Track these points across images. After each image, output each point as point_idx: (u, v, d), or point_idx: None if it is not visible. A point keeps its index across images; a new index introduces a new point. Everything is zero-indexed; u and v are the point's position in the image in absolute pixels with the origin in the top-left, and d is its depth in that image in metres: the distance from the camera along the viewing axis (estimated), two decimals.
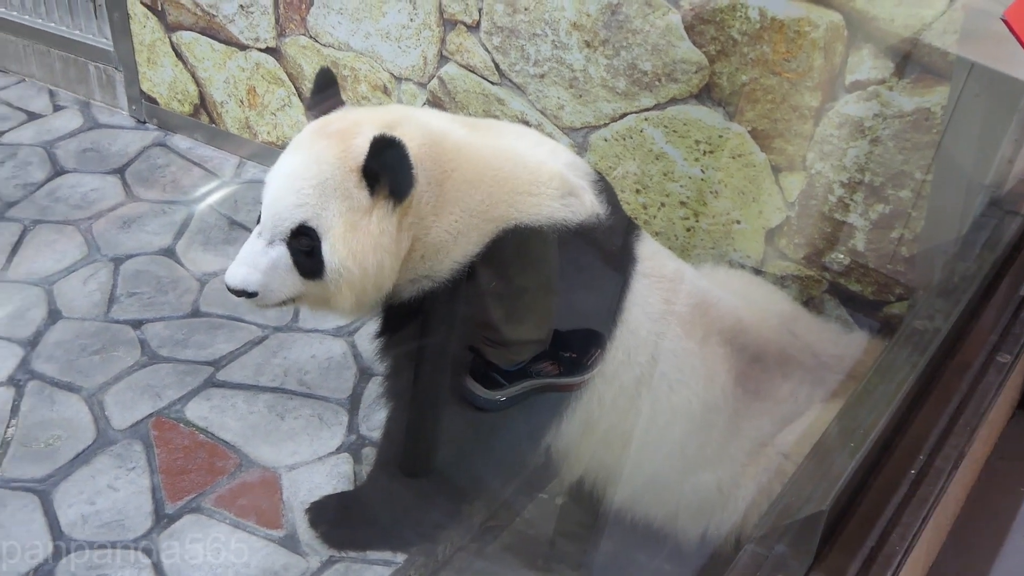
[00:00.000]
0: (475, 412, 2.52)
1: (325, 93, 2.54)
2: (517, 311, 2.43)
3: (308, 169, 2.29)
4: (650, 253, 2.54)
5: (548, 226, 2.33)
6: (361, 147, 2.25)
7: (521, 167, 2.36)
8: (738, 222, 3.20)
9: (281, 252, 2.34)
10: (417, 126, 2.36)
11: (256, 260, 2.35)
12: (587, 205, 2.39)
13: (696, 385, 2.46)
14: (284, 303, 2.45)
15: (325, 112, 2.47)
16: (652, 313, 2.46)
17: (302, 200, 2.28)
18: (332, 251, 2.28)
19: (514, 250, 2.33)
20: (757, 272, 3.20)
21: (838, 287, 3.12)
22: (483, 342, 2.46)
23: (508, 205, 2.32)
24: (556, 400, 2.51)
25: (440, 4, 3.51)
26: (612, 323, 2.43)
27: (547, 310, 2.49)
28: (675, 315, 2.46)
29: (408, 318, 2.47)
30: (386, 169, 2.23)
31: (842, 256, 3.06)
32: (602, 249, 2.44)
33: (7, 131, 4.57)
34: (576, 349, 2.46)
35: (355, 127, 2.33)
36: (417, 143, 2.30)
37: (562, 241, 2.34)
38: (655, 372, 2.45)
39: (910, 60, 2.75)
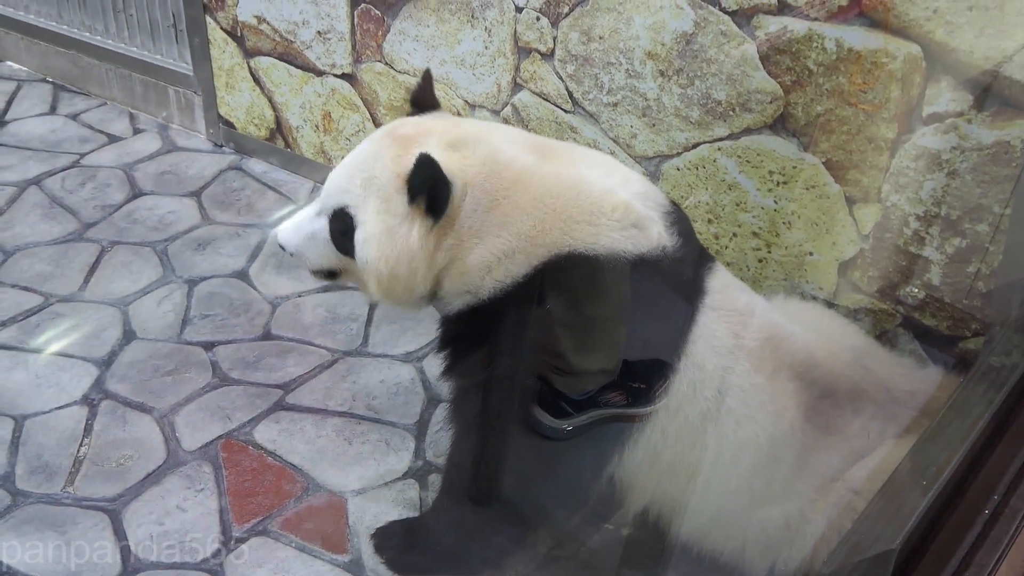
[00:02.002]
0: (541, 440, 2.52)
1: (425, 94, 2.67)
2: (571, 339, 2.43)
3: (365, 162, 2.46)
4: (721, 287, 2.51)
5: (605, 256, 2.32)
6: (411, 154, 2.33)
7: (583, 196, 2.36)
8: (811, 253, 3.17)
9: (323, 224, 2.56)
10: (482, 148, 2.41)
11: (301, 225, 2.63)
12: (652, 237, 2.37)
13: (764, 420, 2.43)
14: (327, 274, 2.68)
15: (419, 112, 2.62)
16: (719, 347, 2.43)
17: (349, 187, 2.46)
18: (364, 244, 2.43)
19: (566, 277, 2.33)
20: (830, 305, 3.17)
21: (912, 321, 3.07)
22: (546, 369, 2.46)
23: (562, 233, 2.32)
24: (619, 430, 2.49)
25: (515, 32, 3.52)
26: (676, 356, 2.41)
27: (602, 340, 2.48)
28: (744, 349, 2.43)
29: (461, 333, 2.54)
30: (423, 189, 2.31)
31: (917, 290, 3.01)
32: (666, 282, 2.42)
33: (88, 153, 4.66)
34: (641, 380, 2.44)
35: (421, 136, 2.43)
36: (475, 168, 2.37)
37: (621, 272, 2.33)
38: (721, 406, 2.42)
39: (989, 93, 2.70)
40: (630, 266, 2.33)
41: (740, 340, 2.44)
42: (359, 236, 2.43)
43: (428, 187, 2.30)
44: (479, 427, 2.56)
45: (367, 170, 2.44)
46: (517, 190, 2.37)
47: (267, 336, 3.62)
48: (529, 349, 2.42)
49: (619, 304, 2.45)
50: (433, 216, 2.34)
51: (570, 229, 2.32)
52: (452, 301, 2.49)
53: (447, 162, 2.34)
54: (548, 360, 2.44)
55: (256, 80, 4.44)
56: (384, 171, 2.40)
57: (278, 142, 4.54)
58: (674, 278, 2.43)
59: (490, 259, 2.37)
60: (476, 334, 2.49)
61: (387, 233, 2.39)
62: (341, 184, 2.49)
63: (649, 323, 2.48)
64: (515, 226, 2.35)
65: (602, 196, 2.37)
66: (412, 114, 2.64)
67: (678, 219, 2.49)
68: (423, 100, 2.66)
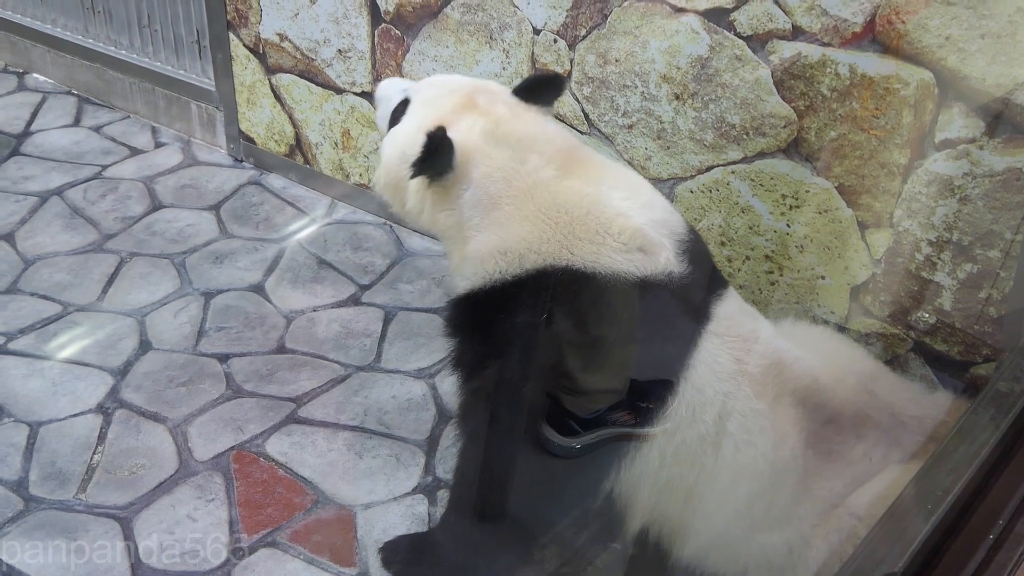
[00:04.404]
0: (547, 457, 2.54)
1: (540, 89, 2.72)
2: (562, 351, 2.45)
3: (442, 89, 2.68)
4: (728, 314, 2.51)
5: (604, 275, 2.34)
6: (458, 120, 2.51)
7: (592, 215, 2.37)
8: (823, 277, 3.18)
9: (397, 99, 2.76)
10: (511, 153, 2.47)
11: (391, 86, 2.85)
12: (658, 263, 2.37)
13: (764, 446, 2.42)
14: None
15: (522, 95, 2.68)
16: (720, 372, 2.43)
17: (420, 92, 2.70)
18: (388, 138, 2.69)
19: (561, 289, 2.36)
20: (840, 329, 3.17)
21: (923, 346, 3.08)
22: (537, 378, 2.48)
23: (562, 246, 2.35)
24: (617, 448, 2.51)
25: (532, 54, 3.55)
26: (675, 379, 2.42)
27: (592, 357, 2.49)
28: (746, 375, 2.43)
29: (458, 319, 2.59)
30: (423, 151, 2.41)
31: (928, 315, 3.02)
32: (668, 307, 2.43)
33: (110, 165, 4.71)
34: (649, 400, 2.45)
35: (481, 113, 2.55)
36: (490, 167, 2.45)
37: (620, 293, 2.35)
38: (720, 431, 2.43)
39: (1001, 120, 2.72)
40: (631, 288, 2.35)
41: (743, 366, 2.44)
42: (393, 129, 2.68)
43: (425, 153, 2.41)
44: (485, 442, 2.58)
45: (435, 94, 2.65)
46: (523, 198, 2.41)
47: (281, 350, 3.64)
48: (522, 355, 2.44)
49: (615, 324, 2.46)
50: (418, 173, 2.46)
51: (571, 244, 2.35)
52: (456, 284, 2.55)
53: (471, 147, 2.46)
54: (539, 369, 2.46)
55: (277, 97, 4.48)
56: (438, 108, 2.58)
57: (297, 158, 4.57)
58: (677, 304, 2.44)
59: (483, 252, 2.43)
60: (472, 322, 2.54)
61: (400, 155, 2.56)
62: (423, 86, 2.74)
63: (647, 346, 2.49)
64: (513, 228, 2.40)
65: (612, 218, 2.38)
66: (520, 89, 2.69)
67: (692, 248, 2.48)
68: (533, 91, 2.69)
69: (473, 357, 2.55)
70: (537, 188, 2.42)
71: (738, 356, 2.45)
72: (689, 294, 2.44)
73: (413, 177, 2.48)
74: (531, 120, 2.60)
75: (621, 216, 2.40)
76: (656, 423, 2.44)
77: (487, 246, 2.43)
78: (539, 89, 2.69)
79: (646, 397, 2.46)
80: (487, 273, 2.42)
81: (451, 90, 2.65)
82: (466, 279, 2.49)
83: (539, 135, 2.55)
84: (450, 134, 2.44)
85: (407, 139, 2.56)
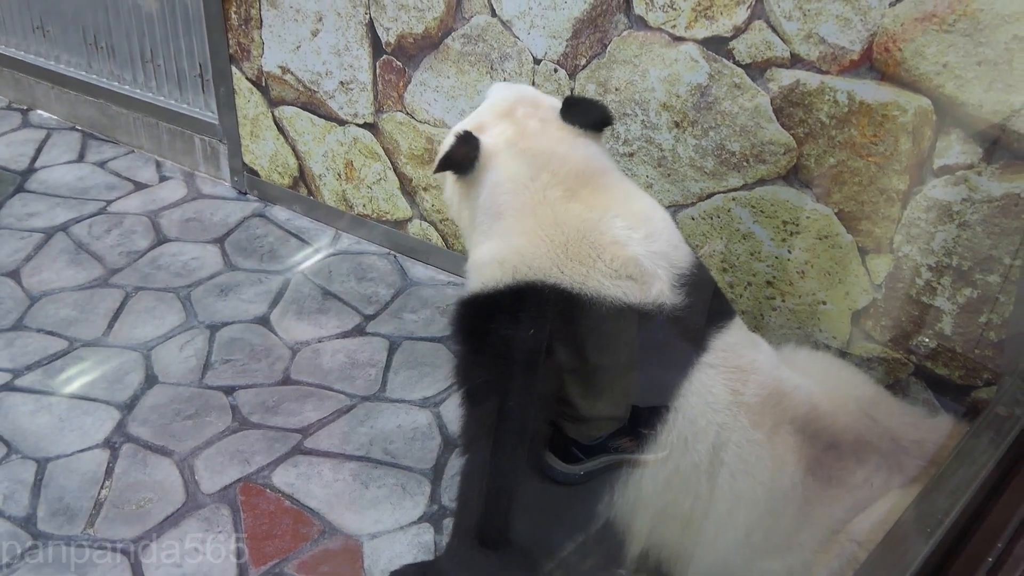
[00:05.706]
0: (549, 483, 2.56)
1: (585, 112, 2.72)
2: (550, 369, 2.46)
3: (497, 95, 2.78)
4: (727, 344, 2.51)
5: (591, 299, 2.37)
6: (494, 126, 2.63)
7: (587, 239, 2.41)
8: (824, 303, 3.19)
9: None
10: (526, 168, 2.52)
11: (487, 92, 2.91)
12: (649, 292, 2.38)
13: (761, 474, 2.43)
14: None
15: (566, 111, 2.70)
16: (715, 403, 2.44)
17: (488, 95, 2.84)
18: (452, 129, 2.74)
19: (549, 305, 2.39)
20: (842, 354, 3.18)
21: (925, 371, 3.09)
22: (545, 405, 2.50)
23: (553, 264, 2.39)
24: (610, 473, 2.53)
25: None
26: (665, 409, 2.44)
27: (579, 380, 2.51)
28: (743, 406, 2.44)
29: (457, 320, 2.65)
30: (448, 148, 2.58)
31: (929, 340, 3.03)
32: (658, 337, 2.44)
33: (114, 200, 4.74)
34: (647, 426, 2.46)
35: (516, 123, 2.63)
36: (502, 177, 2.53)
37: (604, 316, 2.37)
38: (714, 460, 2.44)
39: (998, 146, 2.74)
40: (618, 314, 2.37)
41: (740, 396, 2.45)
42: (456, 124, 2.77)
43: (450, 146, 2.56)
44: (484, 463, 2.59)
45: (492, 99, 2.77)
46: (526, 212, 2.47)
47: (287, 381, 3.66)
48: (510, 365, 2.46)
49: (600, 348, 2.47)
50: (440, 168, 2.60)
51: (562, 263, 2.38)
52: (466, 284, 2.61)
53: (492, 154, 2.55)
54: (528, 384, 2.47)
55: (280, 129, 4.51)
56: (484, 112, 2.71)
57: (301, 190, 4.60)
58: (668, 334, 2.45)
59: (485, 258, 2.50)
60: (468, 327, 2.60)
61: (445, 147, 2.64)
62: (492, 91, 2.86)
63: (635, 374, 2.51)
64: (512, 240, 2.45)
65: (607, 244, 2.40)
66: (563, 107, 2.69)
67: (693, 281, 2.49)
68: (573, 112, 2.68)
69: (466, 364, 2.60)
70: (541, 205, 2.46)
71: (735, 387, 2.46)
72: (683, 326, 2.45)
73: (435, 172, 2.59)
74: (558, 139, 2.60)
75: (616, 244, 2.42)
76: (647, 451, 2.46)
77: (489, 253, 2.49)
78: (580, 111, 2.68)
79: (638, 424, 2.48)
80: (484, 280, 2.47)
81: (503, 97, 2.75)
82: (469, 283, 2.56)
83: (558, 154, 2.56)
84: (483, 138, 2.55)
85: (451, 135, 2.66)
